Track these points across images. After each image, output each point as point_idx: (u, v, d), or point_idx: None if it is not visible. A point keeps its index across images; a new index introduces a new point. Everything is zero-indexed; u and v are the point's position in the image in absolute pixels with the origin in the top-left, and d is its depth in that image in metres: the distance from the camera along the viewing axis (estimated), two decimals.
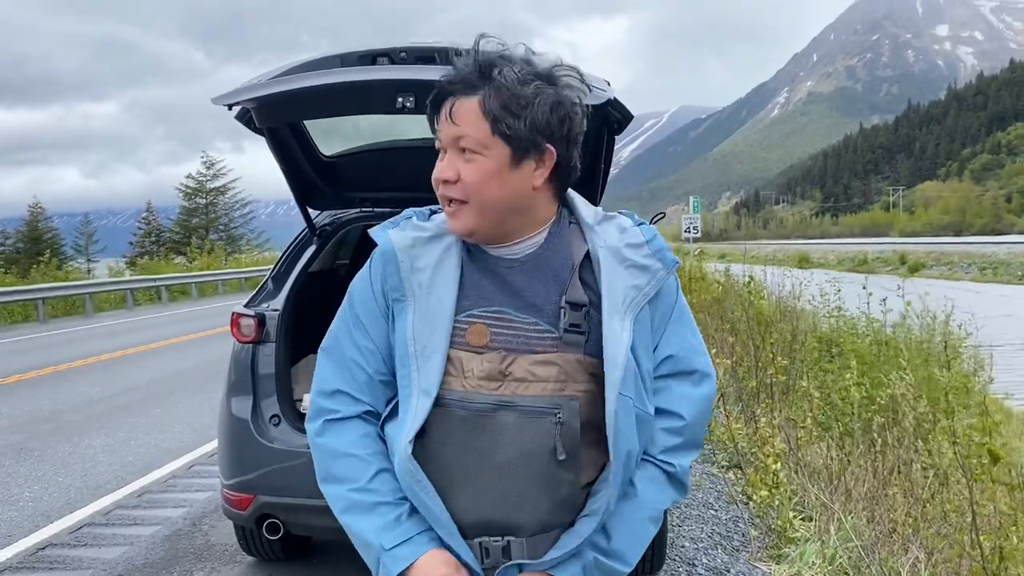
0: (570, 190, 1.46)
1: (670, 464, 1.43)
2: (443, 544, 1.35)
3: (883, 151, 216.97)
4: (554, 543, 1.37)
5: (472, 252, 1.41)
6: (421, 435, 1.34)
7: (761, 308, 9.78)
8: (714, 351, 8.42)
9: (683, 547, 4.26)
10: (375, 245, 1.49)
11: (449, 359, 1.35)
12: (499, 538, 1.35)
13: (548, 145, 1.34)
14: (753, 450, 5.59)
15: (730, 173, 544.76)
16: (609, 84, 2.95)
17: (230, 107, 3.06)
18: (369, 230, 1.48)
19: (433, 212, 1.49)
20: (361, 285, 1.46)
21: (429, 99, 1.37)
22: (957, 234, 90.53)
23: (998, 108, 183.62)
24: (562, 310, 1.36)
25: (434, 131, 1.38)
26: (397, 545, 1.34)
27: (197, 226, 44.17)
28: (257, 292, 3.81)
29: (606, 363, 1.33)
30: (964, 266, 37.44)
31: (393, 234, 1.43)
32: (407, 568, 1.33)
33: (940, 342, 7.87)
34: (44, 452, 6.50)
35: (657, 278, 1.41)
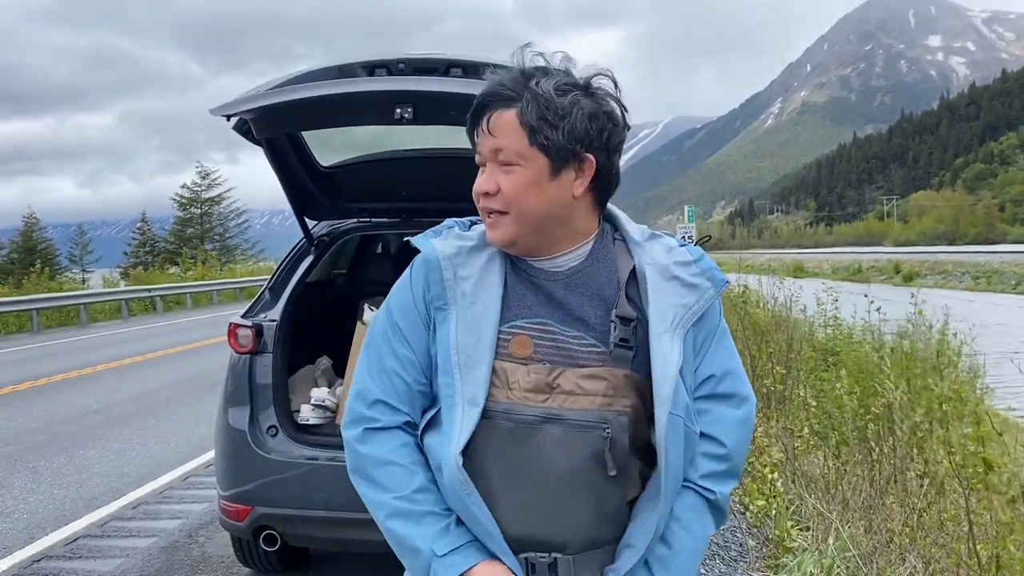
0: (614, 207, 1.47)
1: (710, 491, 1.41)
2: (493, 556, 1.34)
3: (877, 161, 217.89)
4: (600, 562, 1.37)
5: (515, 264, 1.41)
6: (465, 447, 1.33)
7: (757, 317, 9.80)
8: None
9: None
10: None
11: (493, 370, 1.34)
12: (546, 554, 1.35)
13: (587, 154, 1.34)
14: (750, 459, 5.59)
15: (724, 183, 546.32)
16: None
17: (228, 118, 3.07)
18: (411, 239, 1.47)
19: (473, 223, 1.49)
20: (401, 293, 1.46)
21: (469, 113, 1.38)
22: (951, 243, 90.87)
23: (990, 118, 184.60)
24: (612, 324, 1.36)
25: (474, 145, 1.39)
26: (449, 552, 1.33)
27: (192, 236, 44.15)
28: (254, 302, 3.81)
29: (656, 380, 1.33)
30: (958, 275, 37.55)
31: (437, 242, 1.43)
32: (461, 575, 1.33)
33: (935, 351, 7.89)
34: (39, 464, 6.47)
35: (706, 297, 1.41)
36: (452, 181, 3.93)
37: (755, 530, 4.66)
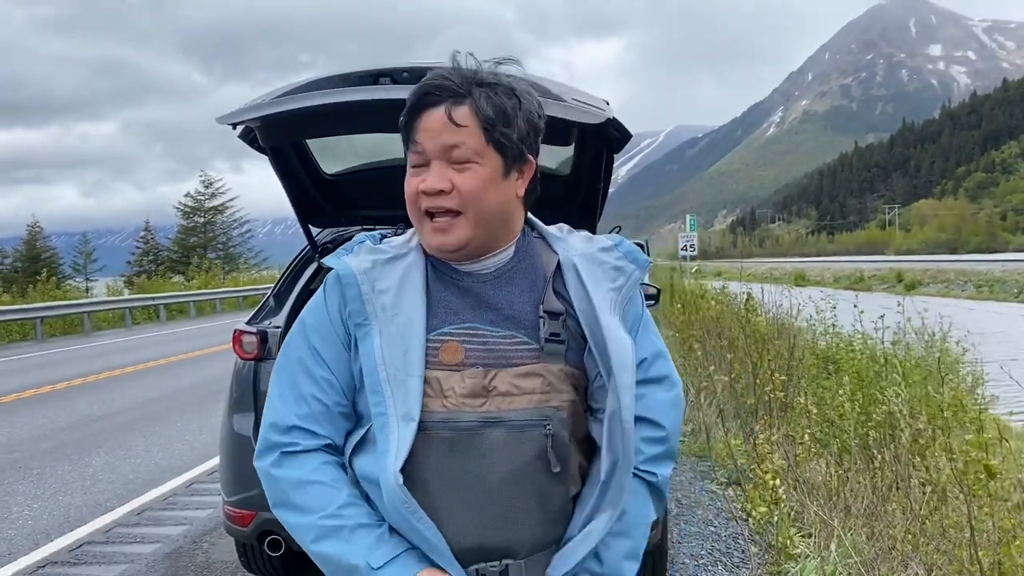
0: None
1: (652, 474, 1.40)
2: (434, 565, 1.28)
3: (878, 169, 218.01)
4: (548, 564, 1.34)
5: (438, 270, 1.37)
6: (404, 464, 1.27)
7: (759, 325, 9.81)
8: (712, 368, 8.44)
9: (684, 564, 4.27)
10: None
11: (426, 380, 1.29)
12: (496, 562, 1.31)
13: (530, 156, 1.35)
14: (752, 467, 5.59)
15: (726, 192, 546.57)
16: (608, 104, 3.00)
17: (234, 126, 3.11)
18: (323, 260, 1.44)
19: (384, 236, 1.46)
20: (316, 315, 1.39)
21: (406, 109, 1.32)
22: (953, 252, 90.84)
23: (992, 127, 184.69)
24: (541, 320, 1.33)
25: (408, 143, 1.33)
26: (387, 563, 1.26)
27: (195, 245, 44.23)
28: (259, 309, 3.83)
29: (615, 366, 1.30)
30: (960, 284, 37.52)
31: (349, 259, 1.37)
32: None
33: (936, 359, 7.89)
34: (43, 471, 6.49)
35: (633, 278, 1.40)
36: None
37: (757, 537, 4.67)
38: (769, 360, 7.47)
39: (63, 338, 19.44)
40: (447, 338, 1.32)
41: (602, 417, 1.33)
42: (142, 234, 48.33)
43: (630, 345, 1.33)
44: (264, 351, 3.58)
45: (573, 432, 1.34)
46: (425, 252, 1.38)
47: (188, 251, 43.29)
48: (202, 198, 45.69)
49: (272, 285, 4.09)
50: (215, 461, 6.46)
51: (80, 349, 16.38)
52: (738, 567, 4.30)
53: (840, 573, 3.94)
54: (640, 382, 1.37)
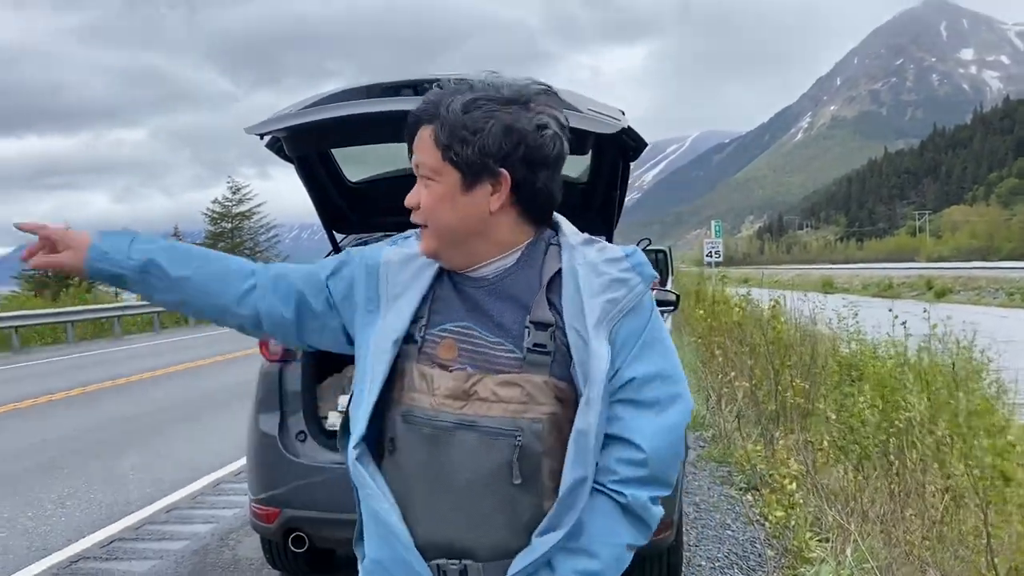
0: (559, 216, 1.46)
1: (620, 494, 1.33)
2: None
3: (908, 175, 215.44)
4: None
5: (449, 272, 1.43)
6: (392, 449, 1.37)
7: (781, 331, 9.81)
8: (733, 373, 8.46)
9: (700, 566, 4.32)
10: None
11: (422, 375, 1.36)
12: (456, 561, 1.34)
13: (501, 169, 1.33)
14: (771, 472, 5.63)
15: (753, 197, 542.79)
16: (623, 113, 3.07)
17: (262, 136, 3.22)
18: (375, 244, 1.54)
19: None
20: (357, 267, 1.48)
21: (405, 131, 1.40)
22: (985, 259, 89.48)
23: None
24: (526, 329, 1.34)
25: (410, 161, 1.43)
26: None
27: (222, 250, 44.68)
28: None
29: (586, 380, 1.30)
30: (992, 291, 37.02)
31: (388, 250, 1.48)
32: None
33: (961, 366, 7.86)
34: (75, 470, 6.66)
35: (635, 292, 1.37)
36: None
37: (774, 541, 4.71)
38: (790, 366, 7.49)
39: (94, 341, 19.80)
40: (446, 335, 1.37)
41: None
42: (170, 239, 48.95)
43: (605, 359, 1.31)
44: (290, 353, 3.70)
45: (552, 446, 1.33)
46: None
47: None
48: (230, 204, 46.19)
49: None
50: (241, 462, 6.60)
51: (110, 352, 16.70)
52: (754, 570, 4.34)
53: None
54: (623, 401, 1.35)
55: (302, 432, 3.61)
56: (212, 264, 1.55)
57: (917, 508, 4.81)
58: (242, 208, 46.34)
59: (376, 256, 1.47)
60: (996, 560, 3.86)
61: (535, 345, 1.33)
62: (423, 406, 1.35)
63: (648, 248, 6.26)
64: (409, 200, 1.40)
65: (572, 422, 1.31)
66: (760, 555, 4.54)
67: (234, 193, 46.39)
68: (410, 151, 1.40)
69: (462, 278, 1.41)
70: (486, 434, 1.32)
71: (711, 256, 23.77)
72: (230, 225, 46.00)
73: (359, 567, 1.48)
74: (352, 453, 1.37)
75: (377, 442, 1.41)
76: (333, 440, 3.68)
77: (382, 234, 4.26)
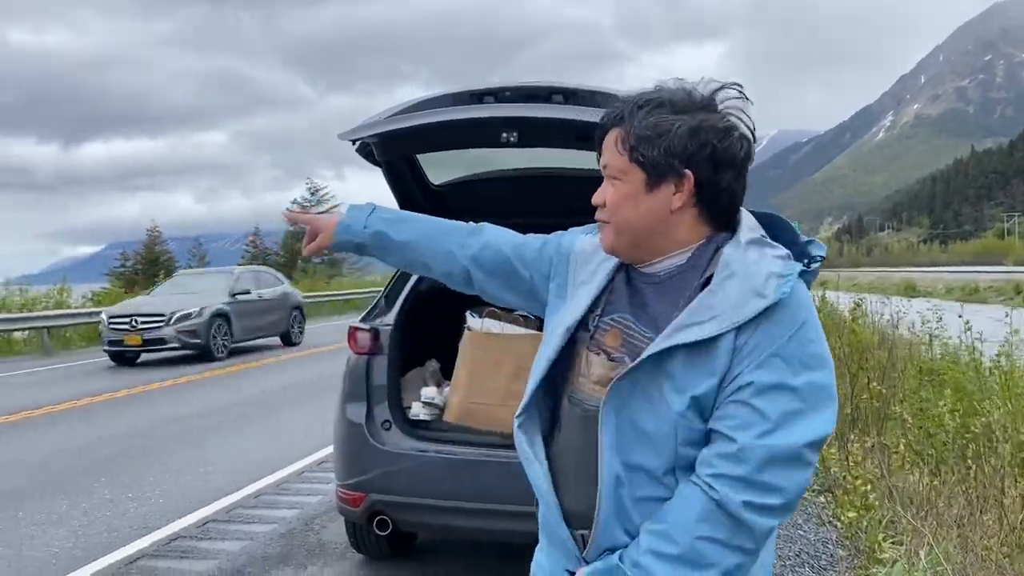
0: (746, 214, 1.48)
1: (711, 487, 1.33)
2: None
3: (997, 175, 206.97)
4: None
5: (629, 265, 1.52)
6: (558, 427, 1.53)
7: (860, 335, 9.68)
8: None
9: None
10: None
11: (588, 360, 1.49)
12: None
13: (686, 169, 1.39)
14: (844, 474, 5.61)
15: (832, 198, 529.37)
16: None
17: (354, 142, 3.43)
18: (572, 229, 1.69)
19: None
20: (565, 249, 1.64)
21: (596, 134, 1.51)
22: None
23: None
24: None
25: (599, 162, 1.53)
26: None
27: (300, 250, 45.88)
28: (371, 309, 4.17)
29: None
30: None
31: (581, 239, 1.64)
32: None
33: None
34: (169, 456, 7.05)
35: (776, 302, 1.35)
36: (551, 198, 4.21)
37: (846, 542, 4.72)
38: (867, 370, 7.41)
39: None
40: (613, 324, 1.48)
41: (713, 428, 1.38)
42: (250, 239, 50.33)
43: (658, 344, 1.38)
44: (376, 347, 3.90)
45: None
46: None
47: (294, 255, 44.95)
48: (309, 204, 47.36)
49: (382, 288, 4.41)
50: (321, 453, 6.91)
51: None
52: (825, 569, 4.37)
53: None
54: (736, 402, 1.35)
55: (387, 421, 3.81)
56: (430, 226, 1.77)
57: (995, 514, 4.75)
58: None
59: (572, 243, 1.63)
60: None
61: None
62: (582, 390, 1.48)
63: None
64: (596, 198, 1.49)
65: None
66: (832, 555, 4.57)
67: (312, 194, 47.59)
68: (599, 153, 1.50)
69: (636, 272, 1.51)
70: None
71: None
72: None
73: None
74: (515, 421, 1.55)
75: (548, 419, 1.56)
76: (417, 429, 3.88)
77: None
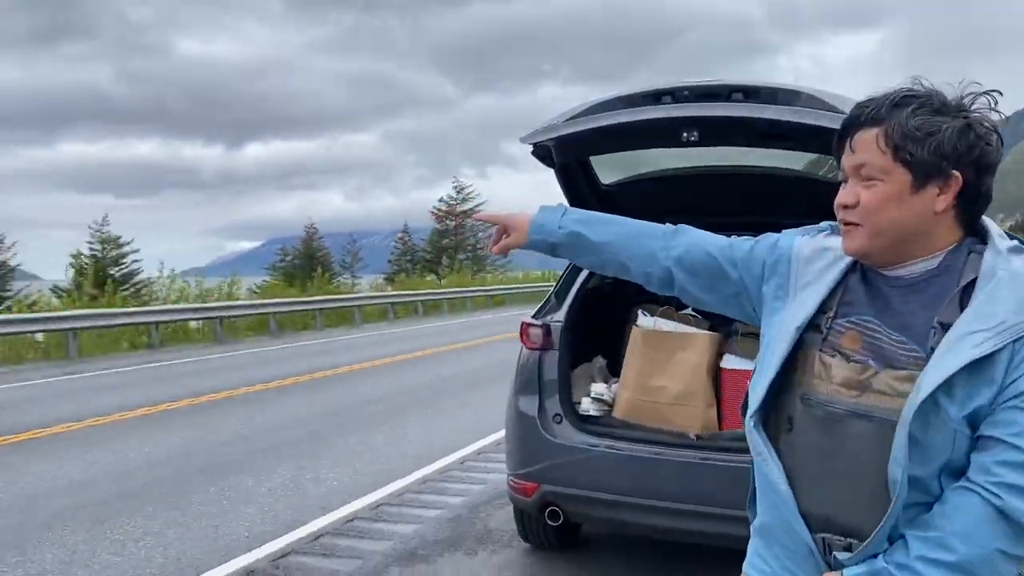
0: (987, 220, 1.48)
1: (997, 496, 1.30)
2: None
3: None
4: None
5: (865, 267, 1.49)
6: (790, 428, 1.50)
7: None
8: None
9: None
10: None
11: (823, 362, 1.46)
12: (842, 538, 1.42)
13: (954, 171, 1.37)
14: None
15: (1004, 193, 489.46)
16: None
17: (534, 145, 3.55)
18: (786, 231, 1.67)
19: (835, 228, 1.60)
20: (767, 248, 1.62)
21: (836, 133, 1.48)
22: None
23: None
24: (932, 330, 1.37)
25: (838, 163, 1.49)
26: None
27: (447, 247, 47.12)
28: (542, 305, 4.29)
29: (925, 370, 1.34)
30: None
31: (800, 241, 1.61)
32: None
33: None
34: (337, 441, 7.48)
35: None
36: (723, 196, 4.20)
37: None
38: None
39: (337, 328, 21.67)
40: (851, 327, 1.46)
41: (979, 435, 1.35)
42: (399, 235, 52.11)
43: (960, 357, 1.32)
44: (548, 342, 4.02)
45: None
46: None
47: (440, 252, 46.22)
48: (454, 203, 48.55)
49: (522, 284, 4.53)
50: (481, 443, 7.15)
51: (353, 339, 18.23)
52: None
53: None
54: (1016, 408, 1.32)
55: (558, 414, 3.92)
56: (629, 227, 1.79)
57: None
58: (465, 207, 48.56)
59: (789, 245, 1.61)
60: None
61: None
62: (820, 391, 1.46)
63: None
64: (844, 199, 1.45)
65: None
66: None
67: (458, 192, 48.72)
68: (838, 153, 1.47)
69: (876, 275, 1.48)
70: (881, 424, 1.38)
71: None
72: (453, 223, 48.35)
73: (749, 528, 1.63)
74: (749, 422, 1.53)
75: (772, 419, 1.54)
76: (586, 423, 3.97)
77: None
